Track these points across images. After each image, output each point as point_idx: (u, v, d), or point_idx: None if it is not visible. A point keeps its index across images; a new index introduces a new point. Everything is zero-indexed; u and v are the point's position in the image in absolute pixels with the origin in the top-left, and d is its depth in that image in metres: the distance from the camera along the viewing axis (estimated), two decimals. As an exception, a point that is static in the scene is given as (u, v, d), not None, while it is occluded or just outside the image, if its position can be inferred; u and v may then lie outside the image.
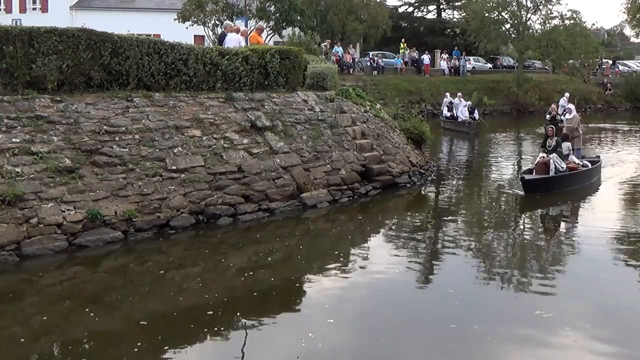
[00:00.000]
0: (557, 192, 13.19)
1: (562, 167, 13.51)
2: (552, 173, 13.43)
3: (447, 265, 8.99)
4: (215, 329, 6.68)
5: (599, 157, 16.50)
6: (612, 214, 11.85)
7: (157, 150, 10.63)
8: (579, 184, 13.99)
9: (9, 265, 8.29)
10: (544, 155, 13.80)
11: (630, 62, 52.67)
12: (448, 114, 28.35)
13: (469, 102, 28.28)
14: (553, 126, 14.64)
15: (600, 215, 11.71)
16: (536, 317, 6.89)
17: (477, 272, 8.63)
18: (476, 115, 27.55)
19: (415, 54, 41.57)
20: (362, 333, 6.60)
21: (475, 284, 8.14)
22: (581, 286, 8.12)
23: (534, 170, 13.87)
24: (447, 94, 30.24)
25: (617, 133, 28.96)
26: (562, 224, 11.68)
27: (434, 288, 8.13)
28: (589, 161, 15.35)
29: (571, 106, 17.35)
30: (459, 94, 29.62)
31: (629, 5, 46.44)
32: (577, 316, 6.99)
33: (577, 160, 14.54)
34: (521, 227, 11.25)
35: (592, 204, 13.21)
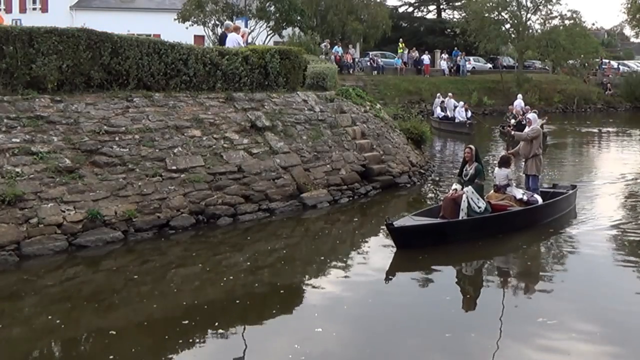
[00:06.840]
0: (473, 240, 9.47)
1: (480, 207, 9.70)
2: (462, 214, 9.63)
3: (445, 271, 8.83)
4: (210, 332, 6.63)
5: (574, 186, 12.14)
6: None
7: (157, 150, 10.63)
8: (512, 227, 10.08)
9: (9, 265, 8.30)
10: (457, 188, 10.02)
11: (630, 62, 52.72)
12: (442, 114, 28.27)
13: (461, 102, 28.12)
14: (472, 147, 10.19)
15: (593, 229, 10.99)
16: (539, 324, 6.66)
17: (475, 278, 8.55)
18: (468, 114, 27.50)
19: (415, 54, 41.61)
20: (353, 341, 6.43)
21: (473, 290, 8.01)
22: (584, 292, 7.86)
23: (441, 209, 10.04)
24: (439, 94, 30.14)
25: (618, 139, 27.64)
26: (563, 231, 11.39)
27: (431, 295, 7.92)
28: (557, 191, 11.58)
29: (533, 115, 12.83)
30: (450, 94, 29.54)
31: (629, 5, 46.40)
32: (582, 323, 6.75)
33: (518, 195, 10.52)
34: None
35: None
